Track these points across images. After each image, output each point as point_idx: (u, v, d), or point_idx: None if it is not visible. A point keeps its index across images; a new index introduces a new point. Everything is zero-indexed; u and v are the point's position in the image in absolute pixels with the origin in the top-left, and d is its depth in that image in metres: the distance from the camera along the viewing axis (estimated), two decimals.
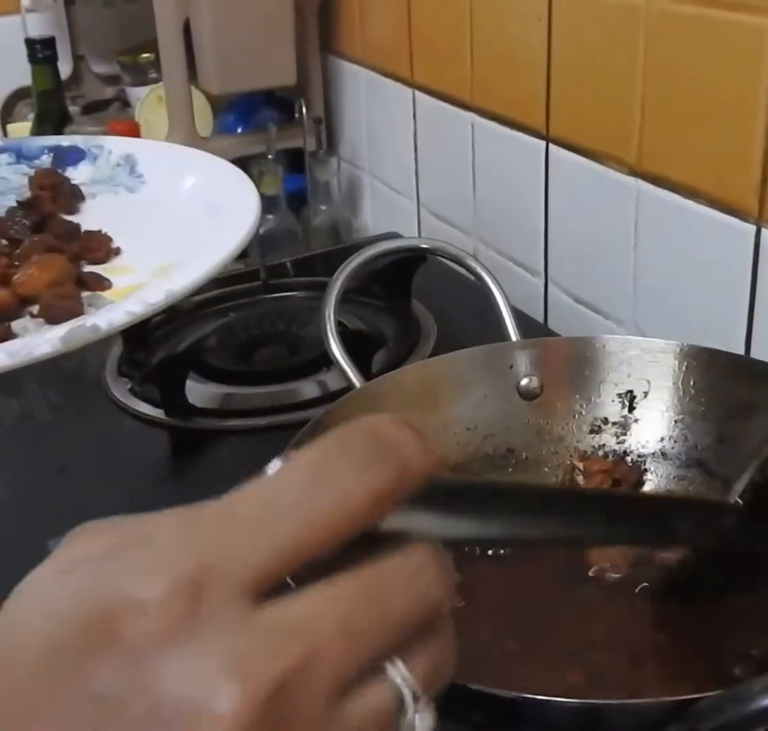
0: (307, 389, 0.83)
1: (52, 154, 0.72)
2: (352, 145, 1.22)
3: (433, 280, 0.95)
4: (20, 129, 1.36)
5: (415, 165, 1.09)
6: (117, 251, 0.61)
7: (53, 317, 0.52)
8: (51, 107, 1.27)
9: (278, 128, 1.13)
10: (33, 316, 0.53)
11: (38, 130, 1.26)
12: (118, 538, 0.26)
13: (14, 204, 0.67)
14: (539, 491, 0.35)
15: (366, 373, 0.72)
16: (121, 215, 0.65)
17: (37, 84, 1.27)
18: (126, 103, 1.41)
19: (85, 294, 0.55)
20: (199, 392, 0.82)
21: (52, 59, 1.25)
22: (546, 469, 0.61)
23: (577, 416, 0.61)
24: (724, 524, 0.38)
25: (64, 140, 0.73)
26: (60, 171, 0.70)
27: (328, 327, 0.61)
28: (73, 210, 0.67)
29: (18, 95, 1.45)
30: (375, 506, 0.26)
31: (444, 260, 0.76)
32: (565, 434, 0.61)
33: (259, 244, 1.12)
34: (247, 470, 0.85)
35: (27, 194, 0.68)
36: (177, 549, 0.25)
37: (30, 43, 1.25)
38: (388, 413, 0.28)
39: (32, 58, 1.25)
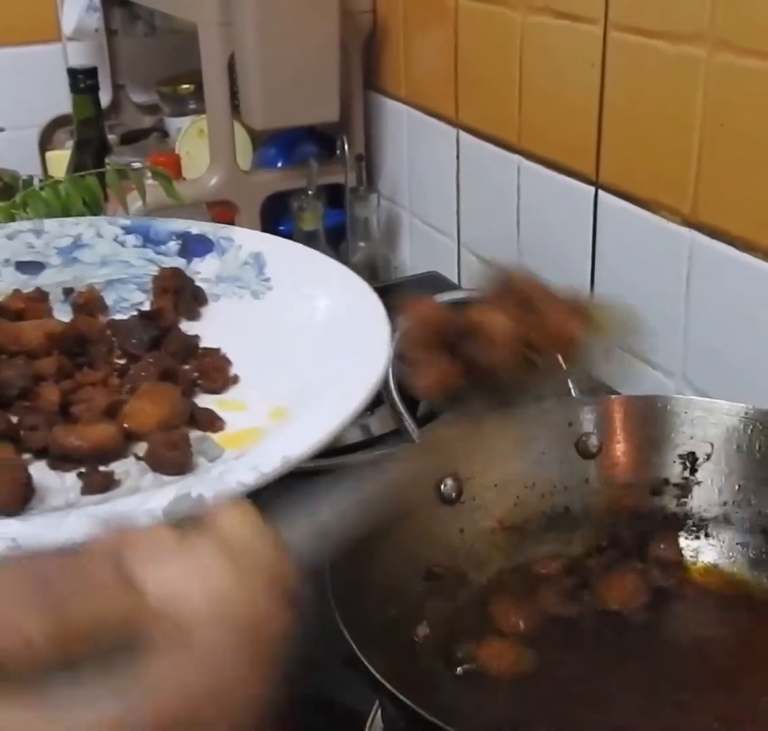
0: (351, 433, 0.82)
1: (179, 242, 0.68)
2: (393, 182, 1.21)
3: None
4: (59, 157, 1.37)
5: (457, 205, 1.09)
6: (235, 380, 0.56)
7: (159, 467, 0.48)
8: (91, 136, 1.27)
9: (319, 164, 1.13)
10: (138, 458, 0.49)
11: (78, 158, 1.27)
12: None
13: (134, 293, 0.65)
14: None
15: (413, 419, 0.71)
16: (242, 327, 0.60)
17: (78, 113, 1.27)
18: (164, 133, 1.42)
19: (194, 435, 0.50)
20: None
21: (94, 89, 1.25)
22: (605, 529, 0.60)
23: (636, 477, 0.60)
24: None
25: (193, 227, 0.69)
26: (186, 261, 0.67)
27: (389, 381, 0.60)
28: (194, 316, 0.63)
29: (57, 123, 1.46)
30: None
31: None
32: (624, 494, 0.60)
33: None
34: (287, 513, 0.84)
35: (147, 284, 0.65)
36: None
37: (72, 72, 1.25)
38: None
39: (74, 87, 1.25)
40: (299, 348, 0.57)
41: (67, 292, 0.64)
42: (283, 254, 0.66)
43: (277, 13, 1.04)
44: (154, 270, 0.66)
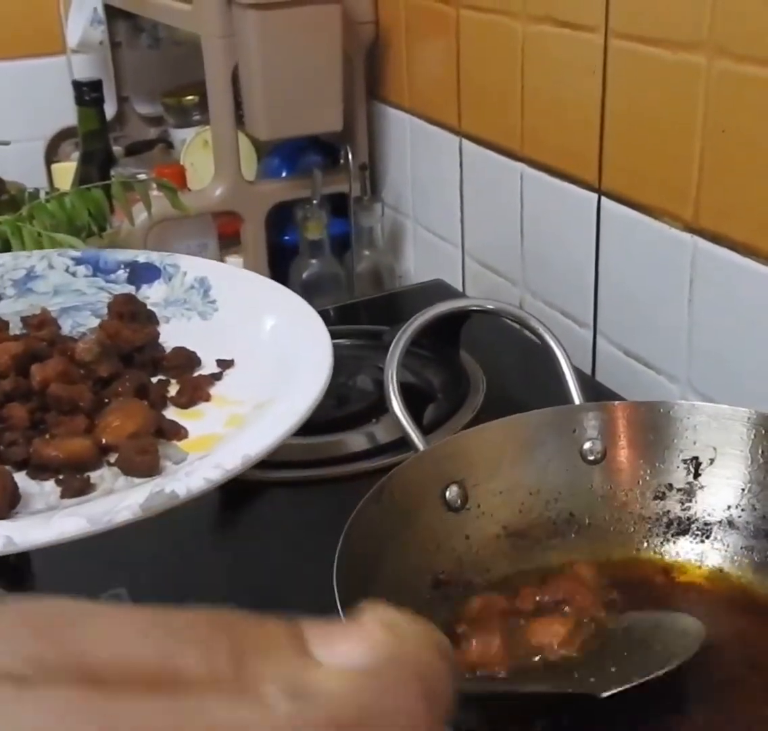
0: (356, 441, 0.83)
1: (128, 270, 0.72)
2: (397, 191, 1.22)
3: (479, 330, 0.95)
4: (65, 169, 1.37)
5: (461, 213, 1.09)
6: (207, 397, 0.61)
7: (130, 470, 0.53)
8: (96, 148, 1.29)
9: (323, 173, 1.14)
10: (110, 464, 0.54)
11: (83, 170, 1.28)
12: None
13: (89, 319, 0.69)
14: None
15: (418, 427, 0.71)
16: (193, 346, 0.65)
17: (83, 125, 1.28)
18: (169, 145, 1.42)
19: (160, 441, 0.56)
20: None
21: (99, 101, 1.27)
22: (609, 535, 0.60)
23: (641, 482, 0.60)
24: None
25: (140, 256, 0.73)
26: (135, 287, 0.71)
27: (391, 389, 0.60)
28: (154, 336, 0.67)
29: (62, 135, 1.47)
30: None
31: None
32: (628, 499, 0.60)
33: (302, 289, 1.12)
34: (294, 521, 0.84)
35: (101, 310, 0.69)
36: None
37: (77, 85, 1.26)
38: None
39: (79, 100, 1.26)
40: (248, 362, 0.62)
41: (26, 320, 0.68)
42: (227, 278, 0.70)
43: (279, 25, 1.05)
44: (105, 297, 0.71)
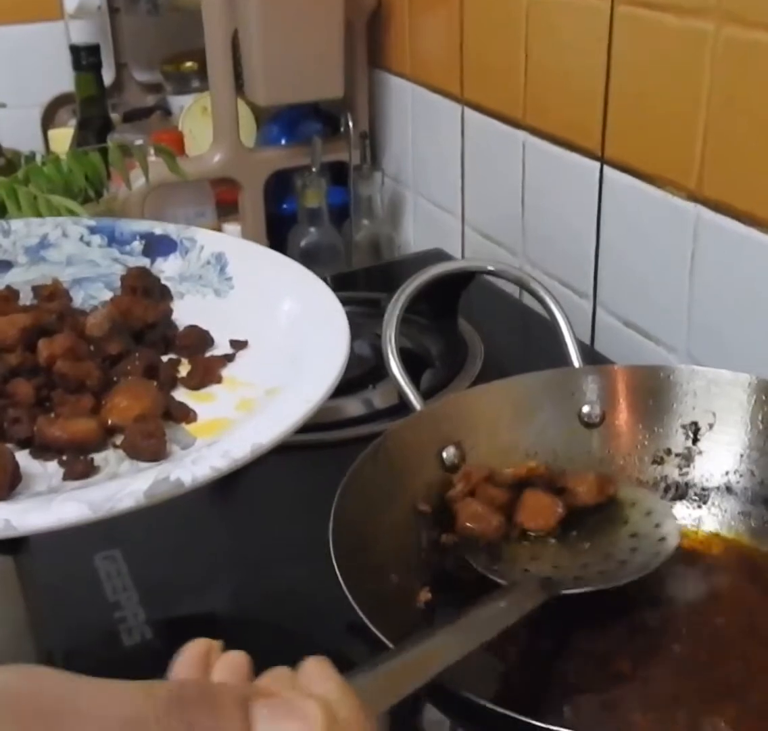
0: (352, 406, 0.82)
1: (143, 242, 0.70)
2: (397, 160, 1.21)
3: (478, 297, 0.94)
4: (61, 135, 1.36)
5: (462, 182, 1.08)
6: (219, 379, 0.59)
7: (135, 454, 0.51)
8: (93, 114, 1.27)
9: (323, 141, 1.13)
10: (116, 446, 0.53)
11: (80, 137, 1.26)
12: None
13: (102, 291, 0.67)
14: None
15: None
16: (207, 324, 0.63)
17: (81, 91, 1.27)
18: (167, 112, 1.41)
19: (167, 424, 0.54)
20: None
21: (97, 67, 1.25)
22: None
23: (639, 447, 0.60)
24: None
25: (157, 228, 0.71)
26: (150, 260, 0.69)
27: (390, 350, 0.60)
28: (166, 312, 0.65)
29: (59, 101, 1.45)
30: None
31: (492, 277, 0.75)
32: (626, 464, 0.60)
33: (300, 257, 1.11)
34: (290, 484, 0.83)
35: (114, 282, 0.67)
36: None
37: (75, 49, 1.24)
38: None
39: (76, 65, 1.25)
40: (262, 344, 0.61)
41: (36, 290, 0.66)
42: (245, 255, 0.68)
43: None
44: (119, 269, 0.69)
